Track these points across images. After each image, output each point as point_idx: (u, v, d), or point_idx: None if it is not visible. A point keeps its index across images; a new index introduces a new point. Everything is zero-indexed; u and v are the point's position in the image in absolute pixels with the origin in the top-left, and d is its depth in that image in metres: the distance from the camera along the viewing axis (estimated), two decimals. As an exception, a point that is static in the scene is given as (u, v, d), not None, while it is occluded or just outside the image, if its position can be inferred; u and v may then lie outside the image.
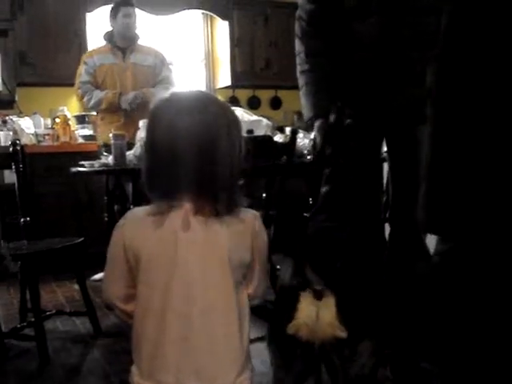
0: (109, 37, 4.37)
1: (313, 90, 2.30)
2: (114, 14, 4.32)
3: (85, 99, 4.30)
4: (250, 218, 1.47)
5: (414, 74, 2.17)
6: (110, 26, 4.37)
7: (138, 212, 1.47)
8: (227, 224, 1.41)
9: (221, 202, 1.39)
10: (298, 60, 2.38)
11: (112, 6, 4.38)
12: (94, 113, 4.74)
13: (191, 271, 1.39)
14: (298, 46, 2.37)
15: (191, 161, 1.36)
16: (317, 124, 2.29)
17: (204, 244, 1.39)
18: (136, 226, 1.43)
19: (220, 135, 1.38)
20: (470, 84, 1.37)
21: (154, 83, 4.41)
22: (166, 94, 1.45)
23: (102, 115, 4.38)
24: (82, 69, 4.30)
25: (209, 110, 1.40)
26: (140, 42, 4.47)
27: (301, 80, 2.36)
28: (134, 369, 1.44)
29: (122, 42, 4.35)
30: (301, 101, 2.37)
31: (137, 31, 4.46)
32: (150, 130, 1.42)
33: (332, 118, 2.05)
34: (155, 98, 4.44)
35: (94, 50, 4.43)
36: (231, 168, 1.40)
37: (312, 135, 2.32)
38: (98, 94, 4.26)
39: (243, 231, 1.45)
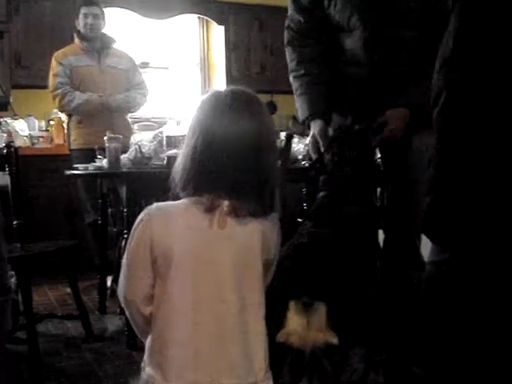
0: (78, 36, 4.28)
1: (307, 91, 2.33)
2: (76, 13, 4.24)
3: (65, 101, 4.13)
4: (275, 219, 1.47)
5: (398, 87, 2.20)
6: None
7: (165, 207, 1.42)
8: (260, 224, 1.41)
9: (260, 203, 1.40)
10: (290, 67, 2.42)
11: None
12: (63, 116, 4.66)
13: (225, 270, 1.38)
14: (290, 54, 2.41)
15: (237, 160, 1.36)
16: (314, 125, 2.29)
17: (239, 243, 1.39)
18: (165, 221, 1.38)
19: (269, 139, 1.42)
20: (481, 91, 1.36)
21: (127, 87, 4.34)
22: (214, 91, 1.44)
23: (79, 119, 4.23)
24: (58, 69, 4.16)
25: (261, 112, 1.42)
26: (115, 45, 4.38)
27: (295, 83, 2.40)
28: (151, 372, 1.39)
29: (89, 43, 4.23)
30: (295, 103, 2.38)
31: (110, 34, 4.38)
32: (202, 126, 1.38)
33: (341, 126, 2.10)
34: (136, 102, 4.43)
35: (66, 50, 4.26)
36: (273, 171, 1.43)
37: (309, 137, 2.32)
38: (81, 96, 4.12)
39: (271, 232, 1.46)
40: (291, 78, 2.41)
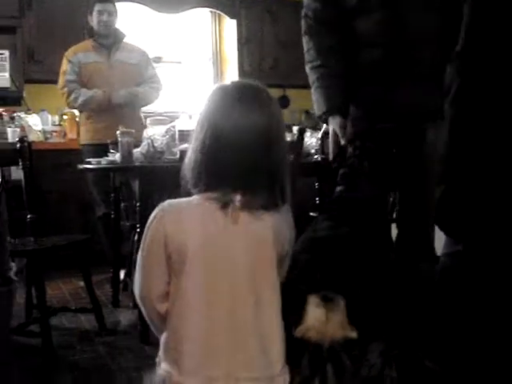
0: (90, 33, 4.31)
1: (325, 84, 2.27)
2: (90, 10, 4.25)
3: (71, 98, 4.19)
4: (287, 211, 1.47)
5: (421, 70, 2.17)
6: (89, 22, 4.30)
7: (178, 204, 1.41)
8: (273, 218, 1.41)
9: (272, 196, 1.39)
10: (307, 57, 2.36)
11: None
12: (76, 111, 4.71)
13: (239, 264, 1.38)
14: (307, 43, 2.35)
15: (247, 154, 1.35)
16: (332, 121, 2.28)
17: (252, 237, 1.39)
18: (179, 217, 1.38)
19: (278, 131, 1.41)
20: (493, 83, 1.35)
21: (139, 81, 4.34)
22: (221, 84, 1.44)
23: (88, 114, 4.29)
24: (66, 67, 4.20)
25: (270, 105, 1.41)
26: (126, 39, 4.39)
27: (312, 75, 2.33)
28: (168, 367, 1.39)
29: (101, 39, 4.26)
30: (312, 96, 2.34)
31: (122, 29, 4.39)
32: (211, 120, 1.38)
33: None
34: (142, 97, 4.45)
35: (76, 47, 4.29)
36: (283, 163, 1.42)
37: (323, 130, 2.30)
38: (86, 93, 4.17)
39: (284, 225, 1.45)
40: (307, 69, 2.36)
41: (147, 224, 1.42)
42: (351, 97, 2.29)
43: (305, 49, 2.37)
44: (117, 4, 4.37)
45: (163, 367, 1.40)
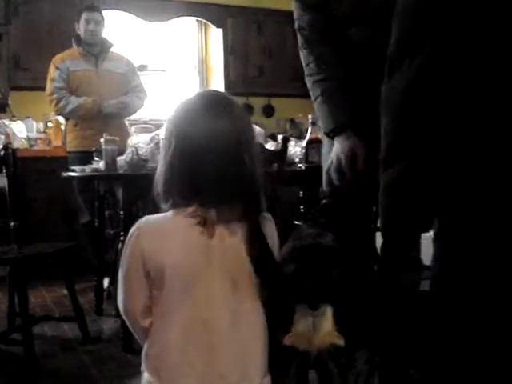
0: (77, 41, 4.30)
1: (332, 99, 2.14)
2: (77, 18, 4.26)
3: (60, 105, 4.17)
4: (269, 220, 1.48)
5: None
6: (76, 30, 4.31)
7: (154, 220, 1.42)
8: (250, 227, 1.40)
9: (248, 206, 1.39)
10: (307, 71, 2.23)
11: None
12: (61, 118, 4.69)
13: (215, 280, 1.38)
14: (306, 57, 2.21)
15: (219, 165, 1.33)
16: (340, 141, 2.10)
17: (229, 250, 1.39)
18: (155, 235, 1.39)
19: (248, 140, 1.39)
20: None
21: (125, 91, 4.36)
22: (190, 96, 1.44)
23: (75, 122, 4.27)
24: (54, 74, 4.19)
25: (237, 113, 1.40)
26: (112, 48, 4.39)
27: (315, 90, 2.20)
28: (149, 377, 1.40)
29: (88, 48, 4.27)
30: (316, 111, 2.21)
31: (109, 38, 4.39)
32: (179, 133, 1.37)
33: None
34: (131, 106, 4.47)
35: (63, 55, 4.28)
36: (256, 172, 1.40)
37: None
38: (75, 101, 4.16)
39: (267, 234, 1.45)
40: (310, 83, 2.22)
41: (126, 240, 1.43)
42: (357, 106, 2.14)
43: (304, 63, 2.25)
44: (103, 12, 4.37)
45: (145, 377, 1.42)
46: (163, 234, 1.39)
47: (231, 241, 1.39)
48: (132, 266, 1.40)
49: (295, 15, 2.29)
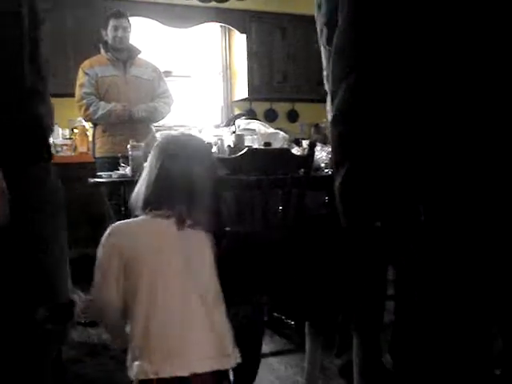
0: (105, 47, 4.34)
1: None
2: (105, 25, 4.30)
3: (90, 110, 4.20)
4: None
5: None
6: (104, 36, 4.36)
7: (126, 222, 1.76)
8: (199, 232, 1.69)
9: (197, 217, 1.67)
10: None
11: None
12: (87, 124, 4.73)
13: (183, 269, 1.61)
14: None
15: (184, 186, 1.66)
16: None
17: (192, 242, 1.66)
18: (128, 231, 1.69)
19: (205, 170, 1.70)
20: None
21: (152, 97, 4.39)
22: (173, 132, 1.65)
23: (104, 127, 4.30)
24: (84, 79, 4.22)
25: (202, 149, 1.80)
26: (139, 55, 4.43)
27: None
28: (144, 365, 1.56)
29: (116, 54, 4.30)
30: None
31: (136, 45, 4.43)
32: (162, 161, 1.70)
33: None
34: (159, 112, 4.52)
35: (92, 61, 4.33)
36: (207, 193, 1.68)
37: None
38: (105, 106, 4.19)
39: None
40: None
41: (101, 242, 1.68)
42: None
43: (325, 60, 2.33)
44: (129, 18, 4.41)
45: (137, 364, 1.57)
46: (136, 230, 1.68)
47: (189, 239, 1.65)
48: (108, 261, 1.65)
49: (316, 16, 2.31)
